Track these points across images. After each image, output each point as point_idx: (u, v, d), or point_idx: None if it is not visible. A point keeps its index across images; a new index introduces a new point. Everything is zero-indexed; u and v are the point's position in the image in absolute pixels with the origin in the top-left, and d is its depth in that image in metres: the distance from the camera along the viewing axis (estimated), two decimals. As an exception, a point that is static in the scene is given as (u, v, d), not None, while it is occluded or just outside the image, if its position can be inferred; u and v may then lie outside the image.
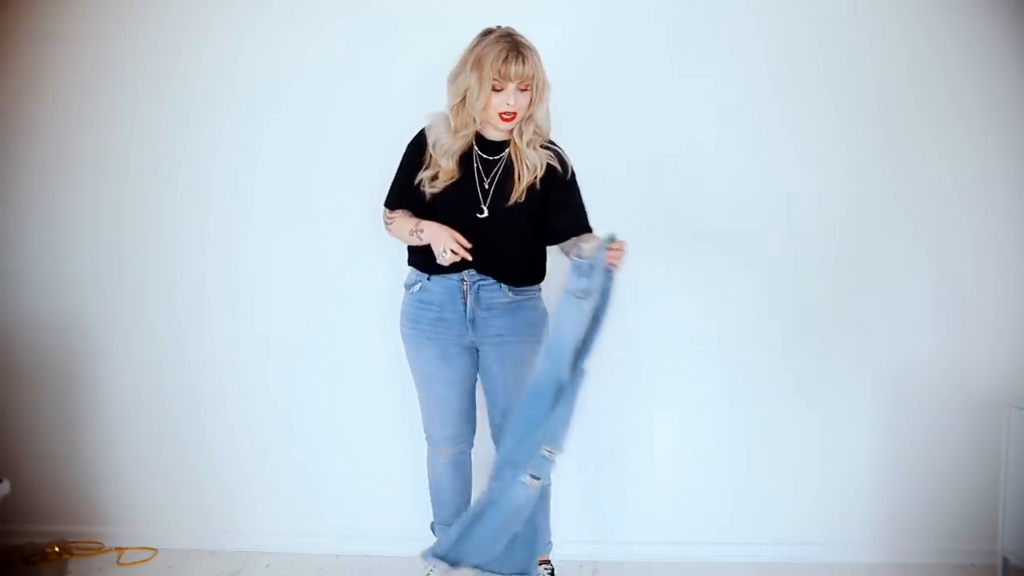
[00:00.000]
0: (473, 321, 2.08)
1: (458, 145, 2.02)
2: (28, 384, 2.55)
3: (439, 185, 2.04)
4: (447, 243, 1.97)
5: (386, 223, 2.19)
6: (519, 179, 2.03)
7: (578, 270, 1.90)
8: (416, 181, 2.07)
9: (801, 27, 2.45)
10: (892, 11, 2.44)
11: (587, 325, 1.94)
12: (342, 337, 2.54)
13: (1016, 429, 2.26)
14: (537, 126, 2.04)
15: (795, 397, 2.52)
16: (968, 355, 2.50)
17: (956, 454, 2.51)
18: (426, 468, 2.28)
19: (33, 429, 2.56)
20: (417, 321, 2.13)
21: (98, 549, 2.52)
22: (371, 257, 2.51)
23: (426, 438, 2.24)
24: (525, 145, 2.03)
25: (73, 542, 2.51)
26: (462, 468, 2.25)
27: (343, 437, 2.56)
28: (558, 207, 2.09)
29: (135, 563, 2.45)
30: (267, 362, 2.55)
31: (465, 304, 2.08)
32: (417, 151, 2.09)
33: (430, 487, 2.28)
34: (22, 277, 2.54)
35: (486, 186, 2.05)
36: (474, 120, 2.00)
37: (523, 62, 1.92)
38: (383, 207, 2.17)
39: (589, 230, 2.10)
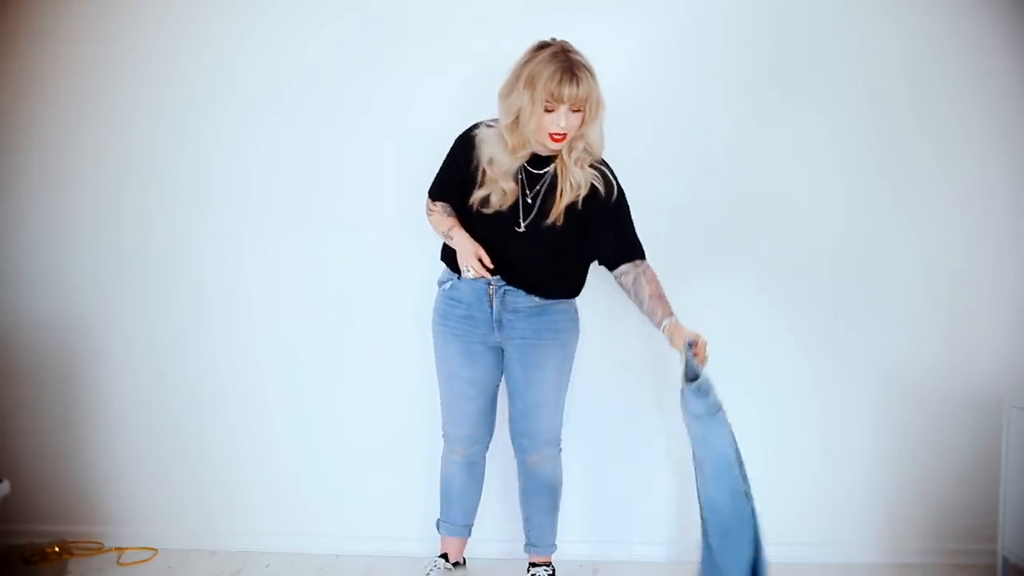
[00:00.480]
0: (500, 322, 2.10)
1: (517, 165, 1.99)
2: (28, 384, 2.55)
3: (494, 206, 2.00)
4: (471, 260, 2.00)
5: (427, 213, 2.19)
6: (560, 196, 1.99)
7: (697, 392, 1.87)
8: (471, 202, 2.03)
9: (798, 27, 2.45)
10: (886, 10, 2.44)
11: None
12: (341, 337, 2.54)
13: (1016, 429, 2.26)
14: (588, 144, 1.98)
15: (794, 397, 2.52)
16: (968, 355, 2.50)
17: (955, 454, 2.51)
18: (436, 466, 2.31)
19: (33, 429, 2.56)
20: (446, 317, 2.14)
21: (98, 549, 2.52)
22: (370, 258, 2.51)
23: (442, 436, 2.25)
24: (572, 162, 1.98)
25: (73, 542, 2.51)
26: (475, 469, 2.25)
27: (343, 437, 2.56)
28: (604, 231, 2.06)
29: (135, 563, 2.45)
30: (267, 362, 2.55)
31: (491, 306, 2.09)
32: (464, 152, 2.05)
33: (441, 485, 2.29)
34: (22, 277, 2.54)
35: (528, 200, 2.03)
36: (530, 140, 1.94)
37: (577, 83, 1.85)
38: (426, 196, 2.17)
39: (641, 257, 2.08)
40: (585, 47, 2.39)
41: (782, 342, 2.51)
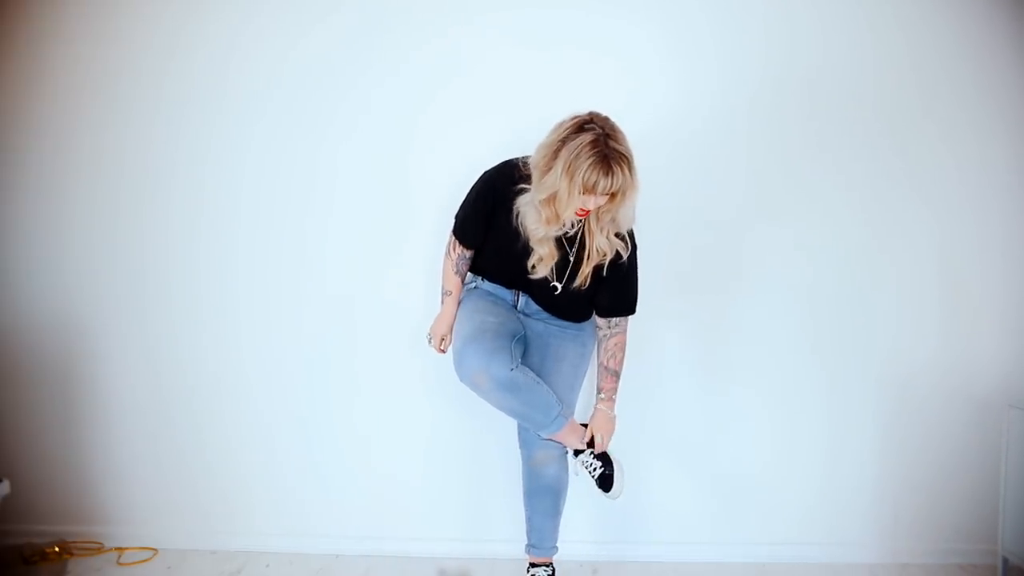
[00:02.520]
0: (524, 312, 2.18)
1: (550, 233, 1.99)
2: (27, 385, 2.55)
3: (542, 269, 2.04)
4: (435, 337, 2.20)
5: (447, 251, 2.19)
6: (587, 259, 2.03)
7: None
8: (529, 265, 2.05)
9: (801, 22, 2.45)
10: (892, 9, 2.44)
11: None
12: (339, 337, 2.53)
13: (1016, 429, 2.26)
14: (616, 221, 2.00)
15: (796, 397, 2.52)
16: (968, 355, 2.50)
17: (956, 454, 2.51)
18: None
19: (33, 429, 2.56)
20: (472, 290, 2.20)
21: (98, 549, 2.52)
22: (367, 258, 2.51)
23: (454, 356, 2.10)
24: (599, 231, 2.01)
25: (73, 542, 2.51)
26: (518, 377, 2.02)
27: (343, 437, 2.56)
28: (609, 282, 2.10)
29: (135, 563, 2.45)
30: (266, 362, 2.55)
31: (516, 305, 2.18)
32: (489, 198, 2.06)
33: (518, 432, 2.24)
34: (21, 277, 2.54)
35: (570, 259, 2.06)
36: (563, 218, 1.94)
37: (612, 177, 1.84)
38: (451, 234, 2.17)
39: (627, 313, 2.16)
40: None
41: (784, 342, 2.51)
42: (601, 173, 1.83)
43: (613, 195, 1.89)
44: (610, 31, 2.45)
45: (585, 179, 1.83)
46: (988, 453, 2.45)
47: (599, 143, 1.83)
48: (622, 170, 1.85)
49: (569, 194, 1.86)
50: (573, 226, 2.02)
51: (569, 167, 1.84)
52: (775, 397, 2.52)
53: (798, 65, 2.46)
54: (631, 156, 1.87)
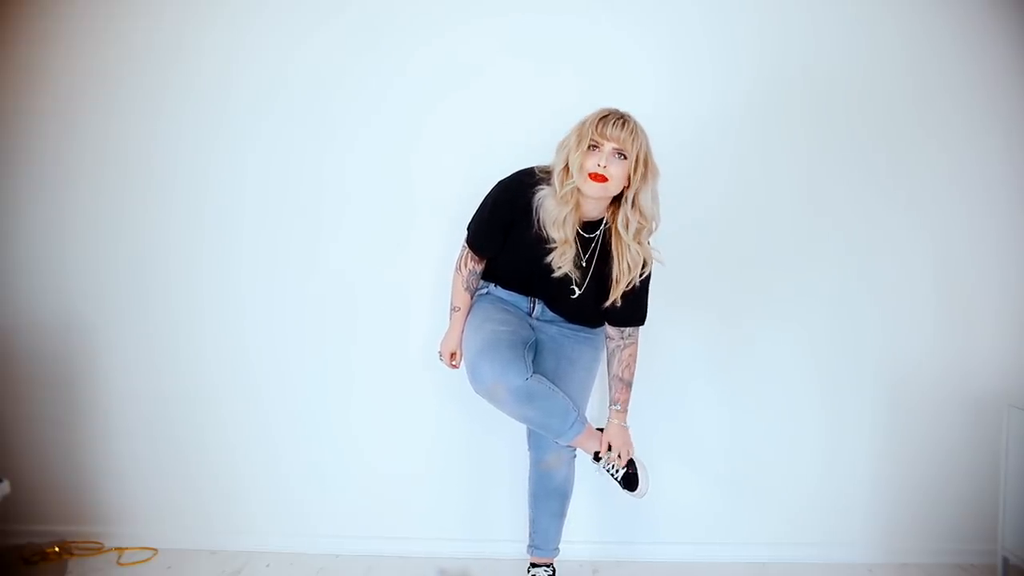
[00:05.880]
0: (538, 319, 2.16)
1: (565, 212, 1.95)
2: (28, 385, 2.54)
3: (563, 263, 1.99)
4: (445, 353, 2.17)
5: (458, 266, 2.16)
6: (616, 282, 2.01)
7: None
8: (551, 263, 2.01)
9: (798, 23, 2.46)
10: (889, 7, 2.45)
11: None
12: (341, 337, 2.53)
13: (1016, 429, 2.27)
14: (641, 212, 1.96)
15: (795, 397, 2.52)
16: (967, 355, 2.51)
17: (956, 454, 2.52)
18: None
19: (33, 429, 2.55)
20: (483, 299, 2.18)
21: (98, 549, 2.52)
22: (367, 259, 2.51)
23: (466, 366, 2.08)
24: (631, 238, 1.98)
25: (73, 542, 2.50)
26: (534, 387, 1.99)
27: (343, 437, 2.56)
28: (626, 297, 2.07)
29: (135, 563, 2.45)
30: (266, 362, 2.54)
31: (531, 313, 2.16)
32: (507, 207, 2.03)
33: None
34: (22, 278, 2.54)
35: (583, 264, 2.04)
36: (575, 177, 1.92)
37: (622, 126, 1.90)
38: (465, 243, 2.15)
39: (637, 324, 2.14)
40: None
41: (782, 341, 2.51)
42: (613, 119, 1.91)
43: (625, 156, 1.91)
44: (609, 37, 2.46)
45: (596, 124, 1.90)
46: (988, 453, 2.45)
47: (614, 108, 1.96)
48: (636, 128, 1.92)
49: (579, 142, 1.91)
50: (603, 222, 2.00)
51: (583, 121, 1.94)
52: (775, 398, 2.52)
53: (795, 71, 2.46)
54: (646, 132, 1.94)
